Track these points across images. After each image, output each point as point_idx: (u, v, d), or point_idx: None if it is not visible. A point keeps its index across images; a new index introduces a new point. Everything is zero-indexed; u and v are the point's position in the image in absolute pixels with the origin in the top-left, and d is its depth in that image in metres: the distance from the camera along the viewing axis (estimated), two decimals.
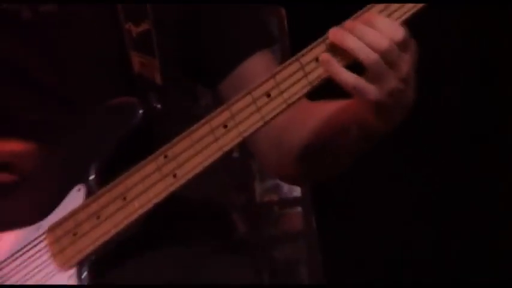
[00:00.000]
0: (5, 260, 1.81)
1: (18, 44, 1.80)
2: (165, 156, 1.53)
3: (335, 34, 1.42)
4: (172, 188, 1.56)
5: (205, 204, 1.79)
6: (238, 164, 3.97)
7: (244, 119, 1.50)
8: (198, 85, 1.93)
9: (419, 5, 1.49)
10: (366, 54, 1.40)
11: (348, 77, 1.41)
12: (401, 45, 1.42)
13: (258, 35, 1.90)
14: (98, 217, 1.71)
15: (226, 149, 1.52)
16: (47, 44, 1.80)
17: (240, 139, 1.51)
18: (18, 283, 1.82)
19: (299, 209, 3.99)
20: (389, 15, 1.48)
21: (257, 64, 1.78)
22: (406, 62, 1.44)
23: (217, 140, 1.52)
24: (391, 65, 1.43)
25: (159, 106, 1.68)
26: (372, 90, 1.41)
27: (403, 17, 1.47)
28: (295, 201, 3.82)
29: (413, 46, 1.46)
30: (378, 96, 1.42)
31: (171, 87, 1.77)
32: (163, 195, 1.61)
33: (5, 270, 1.83)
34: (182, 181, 1.56)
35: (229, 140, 1.52)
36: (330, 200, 3.59)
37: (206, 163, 1.54)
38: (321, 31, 1.51)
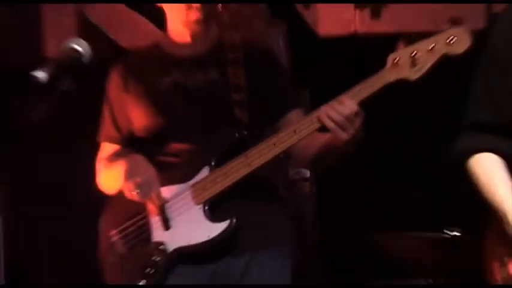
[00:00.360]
0: (170, 201, 3.08)
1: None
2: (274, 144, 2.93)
3: (322, 111, 2.80)
4: (271, 154, 2.93)
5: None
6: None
7: (284, 141, 2.92)
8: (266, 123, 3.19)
9: (368, 94, 2.82)
10: (338, 119, 2.77)
11: (330, 129, 2.81)
12: (356, 113, 2.75)
13: (295, 99, 3.35)
14: (225, 174, 3.01)
15: (281, 148, 2.91)
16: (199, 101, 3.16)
17: (281, 150, 2.92)
18: (178, 214, 3.09)
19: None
20: (352, 97, 2.82)
21: (293, 116, 3.15)
22: (358, 121, 2.78)
23: (275, 145, 2.92)
24: (351, 123, 2.77)
25: (245, 133, 3.05)
26: (342, 135, 2.78)
27: (359, 100, 2.82)
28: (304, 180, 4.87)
29: (362, 114, 2.79)
30: (345, 138, 2.78)
31: (252, 123, 3.10)
32: (266, 159, 2.94)
33: (173, 207, 3.08)
34: (277, 151, 2.92)
35: (280, 147, 2.91)
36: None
37: (275, 152, 2.92)
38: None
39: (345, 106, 2.80)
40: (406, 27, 4.91)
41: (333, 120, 2.81)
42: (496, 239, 2.52)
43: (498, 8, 5.00)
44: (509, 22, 2.60)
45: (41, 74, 2.15)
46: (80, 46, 2.31)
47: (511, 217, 2.41)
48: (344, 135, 2.80)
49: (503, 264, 2.46)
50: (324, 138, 2.95)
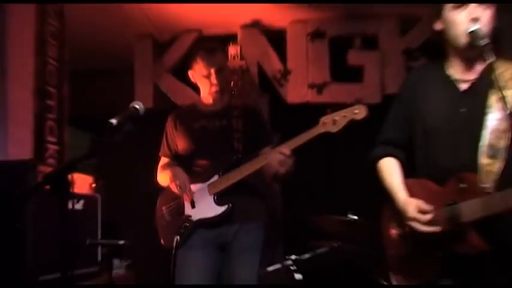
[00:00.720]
0: (195, 192, 3.76)
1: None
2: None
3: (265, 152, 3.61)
4: (253, 168, 3.55)
5: None
6: None
7: (260, 162, 3.54)
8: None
9: (302, 142, 3.40)
10: (276, 160, 3.44)
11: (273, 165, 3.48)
12: (289, 157, 3.40)
13: (271, 139, 3.91)
14: (227, 179, 3.68)
15: (259, 166, 3.57)
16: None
17: (258, 167, 3.58)
18: (199, 200, 3.71)
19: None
20: (288, 146, 3.43)
21: (267, 148, 3.72)
22: (290, 161, 3.42)
23: (255, 164, 3.59)
24: (285, 162, 3.42)
25: (240, 156, 3.70)
26: (281, 169, 3.45)
27: (293, 147, 3.44)
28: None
29: (292, 157, 3.41)
30: (282, 171, 3.46)
31: (244, 152, 3.72)
32: (251, 171, 3.60)
33: (196, 196, 3.76)
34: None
35: (257, 166, 3.58)
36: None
37: (255, 168, 3.55)
38: None
39: (284, 152, 3.55)
40: (336, 99, 5.67)
41: (277, 161, 3.57)
42: (390, 214, 2.91)
43: (391, 89, 5.67)
44: (414, 76, 3.01)
45: (113, 121, 2.62)
46: (138, 105, 2.79)
47: (399, 196, 2.83)
48: (282, 169, 3.57)
49: (399, 226, 2.85)
50: (273, 168, 3.60)
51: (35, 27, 4.62)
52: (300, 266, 4.73)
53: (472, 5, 2.62)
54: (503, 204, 2.47)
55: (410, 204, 2.71)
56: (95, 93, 5.85)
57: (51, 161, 4.67)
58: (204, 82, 3.92)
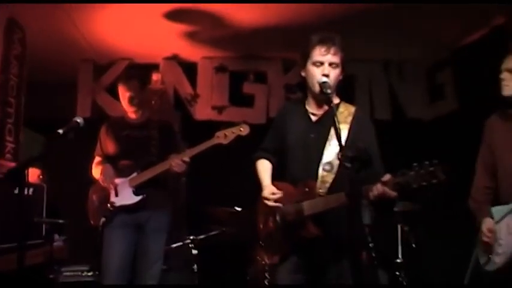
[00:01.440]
0: (119, 184, 3.74)
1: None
2: None
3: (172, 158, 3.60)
4: (160, 169, 3.64)
5: None
6: None
7: (167, 164, 3.69)
8: None
9: (197, 152, 3.56)
10: (176, 164, 3.58)
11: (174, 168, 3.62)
12: (186, 163, 3.59)
13: (180, 147, 3.81)
14: (143, 175, 3.64)
15: (166, 167, 3.64)
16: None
17: (165, 168, 3.62)
18: (122, 190, 3.71)
19: None
20: (187, 155, 3.57)
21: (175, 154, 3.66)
22: (185, 166, 3.59)
23: (162, 166, 3.71)
24: (182, 166, 3.63)
25: (155, 159, 3.81)
26: (178, 170, 3.58)
27: (191, 155, 3.60)
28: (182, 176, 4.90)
29: (188, 162, 3.57)
30: (179, 171, 3.63)
31: (158, 155, 3.79)
32: (160, 170, 3.67)
33: (120, 187, 3.76)
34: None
35: (165, 167, 3.72)
36: None
37: (162, 169, 3.69)
38: None
39: (183, 159, 3.68)
40: (233, 119, 5.39)
41: (176, 161, 3.69)
42: (261, 206, 2.96)
43: (273, 113, 5.64)
44: (285, 107, 3.15)
45: (60, 131, 2.78)
46: (79, 120, 2.93)
47: (264, 183, 2.97)
48: (178, 171, 3.72)
49: (267, 215, 2.92)
50: (173, 169, 3.70)
51: (2, 51, 4.70)
52: (196, 244, 4.86)
53: (326, 65, 2.77)
54: (332, 204, 2.68)
55: (267, 188, 2.91)
56: (45, 101, 5.81)
57: (8, 156, 4.70)
58: (124, 103, 4.00)
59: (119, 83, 3.98)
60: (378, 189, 2.52)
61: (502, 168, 3.15)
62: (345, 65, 2.83)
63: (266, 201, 2.86)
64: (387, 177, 2.52)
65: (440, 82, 5.94)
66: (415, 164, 2.44)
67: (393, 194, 2.48)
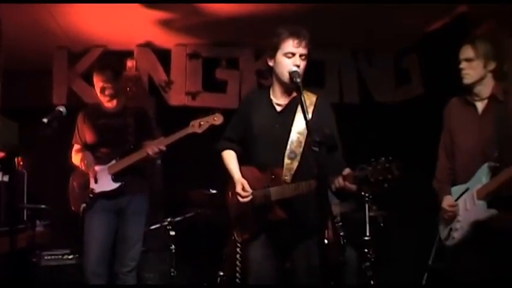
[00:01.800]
0: (98, 172, 3.83)
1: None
2: None
3: (151, 144, 3.66)
4: (139, 156, 3.72)
5: None
6: None
7: (145, 151, 3.77)
8: None
9: (175, 140, 3.70)
10: (151, 151, 3.71)
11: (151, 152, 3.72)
12: (161, 150, 3.71)
13: (155, 132, 3.95)
14: (122, 163, 3.75)
15: (144, 154, 3.78)
16: None
17: (144, 155, 3.74)
18: (101, 177, 3.79)
19: None
20: (165, 142, 3.67)
21: (151, 140, 3.73)
22: (161, 151, 3.70)
23: (141, 153, 3.82)
24: (156, 153, 3.75)
25: (132, 147, 3.85)
26: (154, 156, 3.74)
27: (168, 142, 3.71)
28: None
29: (164, 150, 3.66)
30: (155, 158, 3.80)
31: (135, 142, 3.86)
32: (137, 158, 3.71)
33: (99, 174, 3.83)
34: None
35: (143, 153, 3.78)
36: None
37: (140, 156, 3.76)
38: None
39: (159, 147, 3.80)
40: (206, 104, 5.68)
41: (153, 150, 3.80)
42: (231, 188, 3.07)
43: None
44: (249, 96, 3.22)
45: (44, 120, 2.90)
46: (62, 109, 3.06)
47: (234, 177, 3.03)
48: (154, 158, 3.88)
49: (236, 197, 2.98)
50: (149, 156, 3.80)
51: None
52: (174, 225, 4.94)
53: (297, 56, 2.85)
54: (302, 191, 2.82)
55: (239, 183, 2.98)
56: (21, 89, 5.78)
57: None
58: (98, 93, 4.05)
59: (93, 72, 4.01)
60: (339, 182, 2.69)
61: (458, 150, 3.27)
62: (310, 56, 2.91)
63: (239, 197, 2.96)
64: (347, 171, 2.67)
65: (405, 67, 6.07)
66: (372, 160, 2.59)
67: (353, 187, 2.65)
